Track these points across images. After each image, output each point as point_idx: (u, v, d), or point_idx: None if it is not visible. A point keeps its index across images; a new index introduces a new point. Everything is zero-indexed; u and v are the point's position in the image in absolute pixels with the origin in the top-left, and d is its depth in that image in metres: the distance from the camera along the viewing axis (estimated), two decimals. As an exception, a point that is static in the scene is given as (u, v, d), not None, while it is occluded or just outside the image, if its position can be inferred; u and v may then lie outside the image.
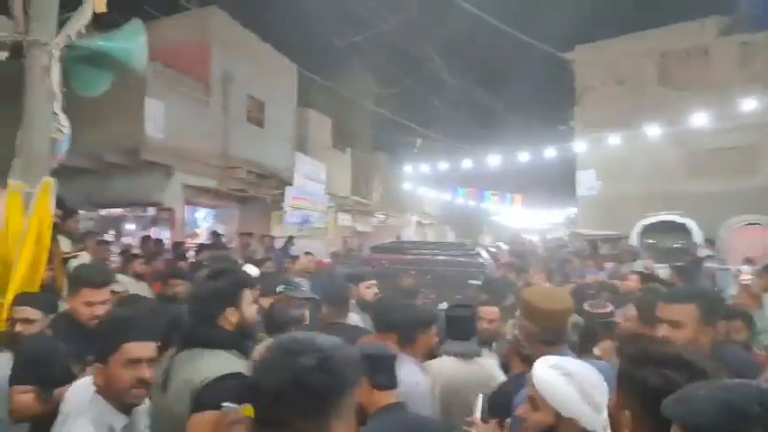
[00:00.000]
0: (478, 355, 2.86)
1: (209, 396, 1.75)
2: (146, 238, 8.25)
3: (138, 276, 5.53)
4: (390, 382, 2.03)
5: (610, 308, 3.39)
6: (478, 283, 5.21)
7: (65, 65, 4.21)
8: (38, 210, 3.37)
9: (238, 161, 11.80)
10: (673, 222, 12.04)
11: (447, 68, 16.82)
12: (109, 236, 9.62)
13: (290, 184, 11.79)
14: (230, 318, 2.02)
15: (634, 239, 12.25)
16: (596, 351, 2.83)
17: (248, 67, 12.39)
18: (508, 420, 1.96)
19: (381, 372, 1.98)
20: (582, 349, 2.75)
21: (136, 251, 6.95)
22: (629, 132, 13.09)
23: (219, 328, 2.00)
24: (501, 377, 2.75)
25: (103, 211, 10.52)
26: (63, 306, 2.91)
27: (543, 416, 1.55)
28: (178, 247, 8.51)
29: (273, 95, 13.53)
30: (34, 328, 2.70)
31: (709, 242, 10.99)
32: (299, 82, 14.88)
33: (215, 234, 9.85)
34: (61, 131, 4.16)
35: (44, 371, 2.37)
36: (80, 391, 1.88)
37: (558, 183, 21.27)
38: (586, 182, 15.04)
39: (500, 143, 19.17)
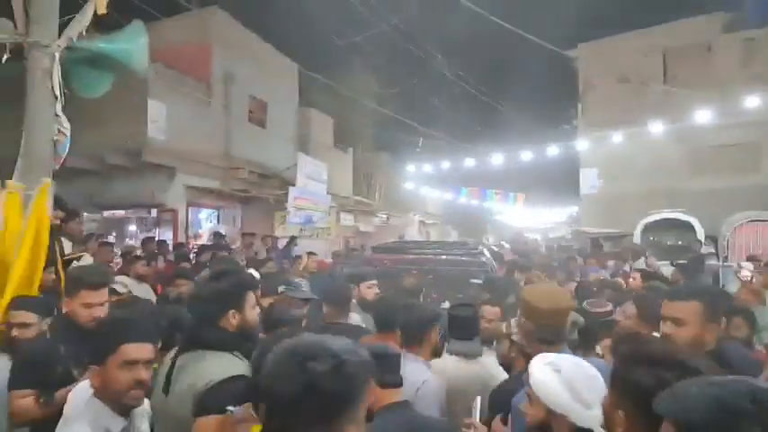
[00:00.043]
0: (481, 354, 2.87)
1: (213, 399, 1.74)
2: (148, 240, 8.27)
3: (141, 278, 5.54)
4: (395, 381, 2.04)
5: (609, 307, 3.39)
6: (480, 282, 5.20)
7: (66, 66, 4.23)
8: (36, 211, 3.38)
9: (240, 161, 11.82)
10: (675, 220, 12.01)
11: (449, 67, 16.78)
12: (111, 238, 9.65)
13: (293, 185, 11.80)
14: (232, 320, 2.01)
15: (637, 237, 12.23)
16: (598, 349, 2.83)
17: (250, 67, 12.41)
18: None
19: (386, 370, 1.97)
20: (584, 348, 2.76)
21: (138, 253, 6.96)
22: (632, 130, 13.03)
23: (221, 329, 2.00)
24: (503, 376, 2.75)
25: (106, 213, 10.54)
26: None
27: (537, 411, 1.58)
28: (181, 248, 8.53)
29: (275, 95, 13.55)
30: (31, 332, 2.70)
31: (712, 239, 10.96)
32: (300, 82, 14.90)
33: (218, 235, 9.87)
34: (63, 133, 4.17)
35: (44, 374, 2.37)
36: (80, 394, 1.88)
37: (561, 181, 21.25)
38: (589, 180, 15.03)
39: (503, 142, 19.17)
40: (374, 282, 4.11)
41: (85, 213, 8.43)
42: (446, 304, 4.60)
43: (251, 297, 2.11)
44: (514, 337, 2.54)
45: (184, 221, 10.59)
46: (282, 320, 2.76)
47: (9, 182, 3.51)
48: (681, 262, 7.38)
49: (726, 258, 9.95)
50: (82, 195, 9.19)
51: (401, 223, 21.46)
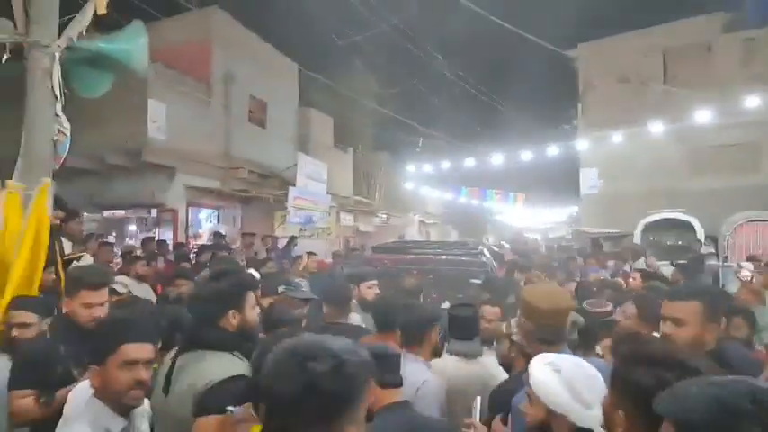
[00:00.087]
0: (481, 354, 2.87)
1: (213, 399, 1.74)
2: (147, 240, 8.27)
3: (141, 278, 5.54)
4: (395, 381, 2.04)
5: (609, 307, 3.38)
6: (480, 282, 5.20)
7: (66, 67, 4.22)
8: (35, 210, 3.38)
9: (240, 161, 11.82)
10: (675, 220, 12.02)
11: (449, 67, 16.78)
12: (111, 238, 9.65)
13: (293, 185, 11.80)
14: (232, 320, 2.01)
15: (637, 237, 12.23)
16: (598, 349, 2.83)
17: (250, 67, 12.41)
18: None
19: (386, 370, 1.97)
20: (584, 348, 2.76)
21: (138, 253, 6.96)
22: (632, 130, 13.03)
23: (221, 329, 2.00)
24: (503, 376, 2.75)
25: (106, 213, 10.54)
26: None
27: (537, 411, 1.58)
28: (180, 248, 8.53)
29: (275, 95, 13.54)
30: (31, 332, 2.70)
31: (712, 239, 10.96)
32: (300, 82, 14.90)
33: (218, 235, 9.87)
34: (63, 133, 4.17)
35: (44, 374, 2.36)
36: (80, 394, 1.87)
37: (561, 181, 21.26)
38: (589, 180, 15.04)
39: (503, 142, 19.19)
40: (374, 282, 4.11)
41: (85, 213, 8.43)
42: (446, 304, 4.61)
43: (251, 297, 2.10)
44: (514, 337, 2.55)
45: (184, 221, 10.59)
46: (282, 320, 2.75)
47: (9, 182, 3.51)
48: (681, 262, 7.38)
49: (726, 258, 9.95)
50: (82, 195, 9.20)
51: (401, 223, 21.46)
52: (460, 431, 2.10)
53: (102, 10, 4.31)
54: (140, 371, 1.77)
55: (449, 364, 2.81)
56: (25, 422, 2.41)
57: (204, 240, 10.62)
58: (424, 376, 2.45)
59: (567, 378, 1.54)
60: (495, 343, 3.27)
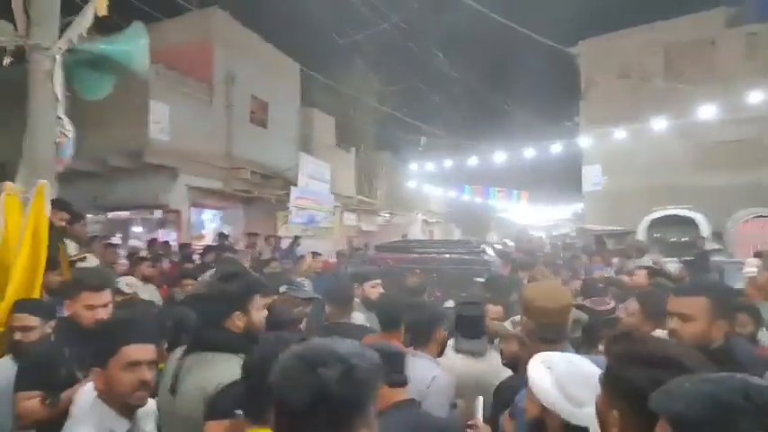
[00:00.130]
0: (487, 352, 2.87)
1: (223, 403, 1.74)
2: (152, 241, 8.29)
3: (146, 279, 5.55)
4: (401, 379, 2.04)
5: (611, 304, 3.37)
6: (483, 280, 5.20)
7: (67, 69, 4.23)
8: (33, 212, 3.37)
9: (242, 162, 11.84)
10: (680, 216, 11.98)
11: (451, 65, 16.78)
12: (116, 239, 9.67)
13: (295, 185, 11.81)
14: (237, 321, 2.02)
15: (641, 234, 12.19)
16: (601, 347, 2.82)
17: (251, 67, 12.42)
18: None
19: (392, 369, 1.97)
20: (587, 345, 2.75)
21: (143, 254, 6.98)
22: (634, 126, 12.98)
23: (227, 331, 2.00)
24: (509, 374, 2.74)
25: (110, 215, 10.58)
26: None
27: (534, 408, 1.59)
28: (184, 248, 8.55)
29: (276, 95, 13.55)
30: (33, 335, 2.69)
31: (717, 236, 10.92)
32: (301, 81, 14.91)
33: (222, 235, 9.89)
34: (65, 135, 4.19)
35: (49, 375, 2.36)
36: (86, 396, 1.88)
37: (564, 178, 21.20)
38: (592, 177, 14.98)
39: (505, 140, 19.13)
40: (378, 281, 4.10)
41: (89, 215, 8.45)
42: (450, 303, 4.60)
43: (257, 300, 2.11)
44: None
45: (188, 222, 10.61)
46: (281, 320, 2.76)
47: (7, 184, 3.50)
48: (687, 258, 7.35)
49: (731, 254, 9.91)
50: (86, 197, 9.22)
51: (404, 222, 21.45)
52: (466, 430, 2.09)
53: (103, 12, 4.32)
54: (144, 372, 1.77)
55: (457, 362, 2.82)
56: (31, 423, 2.42)
57: (208, 241, 10.64)
58: (434, 372, 2.46)
59: (557, 376, 1.55)
60: (495, 341, 3.26)
